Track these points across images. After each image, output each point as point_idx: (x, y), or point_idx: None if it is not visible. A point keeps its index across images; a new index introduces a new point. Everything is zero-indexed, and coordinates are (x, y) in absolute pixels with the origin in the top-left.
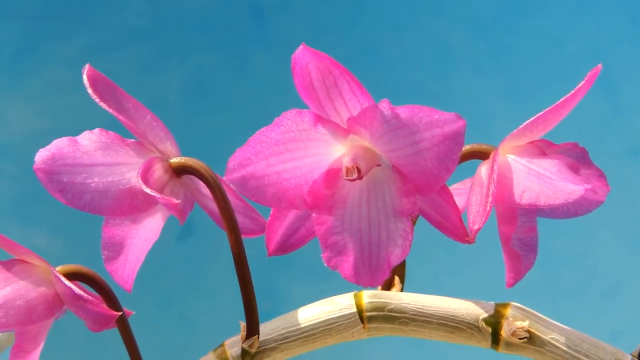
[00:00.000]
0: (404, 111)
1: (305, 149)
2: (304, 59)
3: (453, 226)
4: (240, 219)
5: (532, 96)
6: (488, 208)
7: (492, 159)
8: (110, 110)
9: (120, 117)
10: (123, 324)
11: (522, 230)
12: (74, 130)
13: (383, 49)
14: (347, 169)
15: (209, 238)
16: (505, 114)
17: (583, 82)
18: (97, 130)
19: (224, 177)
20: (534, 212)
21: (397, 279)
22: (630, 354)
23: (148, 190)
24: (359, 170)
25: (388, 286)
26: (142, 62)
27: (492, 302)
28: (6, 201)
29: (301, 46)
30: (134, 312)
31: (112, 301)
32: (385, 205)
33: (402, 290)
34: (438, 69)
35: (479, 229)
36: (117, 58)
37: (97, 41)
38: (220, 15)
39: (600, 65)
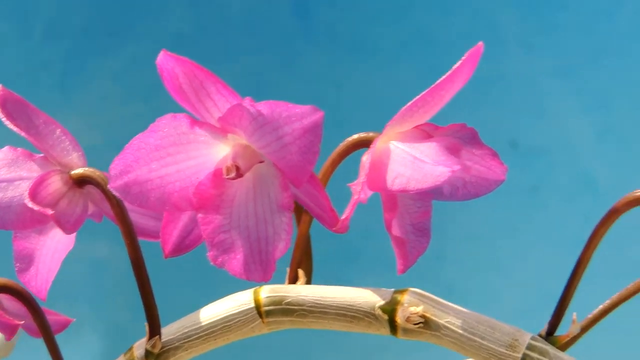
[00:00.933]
0: (265, 107)
1: (187, 152)
2: (169, 64)
3: (327, 215)
4: (152, 222)
5: (586, 72)
6: (356, 197)
7: (370, 147)
8: (16, 129)
9: (23, 133)
10: (46, 333)
11: (416, 215)
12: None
13: (433, 35)
14: (227, 168)
15: None
16: (560, 92)
17: (460, 62)
18: (5, 147)
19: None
20: (429, 196)
21: (301, 272)
22: (538, 333)
23: (29, 203)
24: (238, 169)
25: (294, 281)
26: None
27: (390, 290)
28: None
29: (162, 52)
30: (74, 320)
31: (35, 311)
32: (270, 201)
33: (309, 283)
34: (490, 51)
35: (345, 219)
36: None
37: (142, 52)
38: (263, 15)
39: (481, 43)
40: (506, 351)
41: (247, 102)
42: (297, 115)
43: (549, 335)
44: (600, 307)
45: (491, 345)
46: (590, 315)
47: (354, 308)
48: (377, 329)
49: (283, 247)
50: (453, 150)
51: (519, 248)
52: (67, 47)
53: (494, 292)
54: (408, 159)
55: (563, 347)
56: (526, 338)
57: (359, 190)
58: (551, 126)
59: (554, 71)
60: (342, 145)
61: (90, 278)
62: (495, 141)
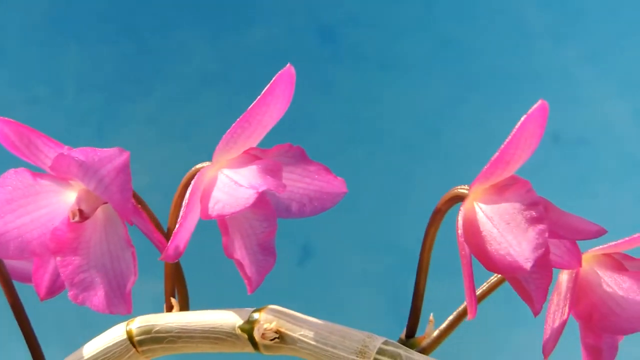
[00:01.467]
0: (81, 154)
1: (37, 202)
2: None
3: (158, 244)
4: (28, 266)
5: (615, 55)
6: (178, 226)
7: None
8: None
9: None
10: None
11: (262, 235)
12: (171, 180)
13: (460, 40)
14: (72, 213)
15: (329, 259)
16: (593, 79)
17: (268, 86)
18: None
19: None
20: (273, 216)
21: (174, 301)
22: (399, 337)
23: None
24: (81, 212)
25: (170, 310)
26: (220, 104)
27: (250, 309)
28: None
29: None
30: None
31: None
32: (119, 238)
33: (185, 309)
34: (518, 48)
35: (172, 248)
36: (195, 105)
37: (172, 93)
38: (288, 44)
39: (289, 65)
40: (357, 358)
41: (66, 150)
42: (107, 158)
43: (409, 337)
44: (459, 308)
45: (342, 354)
46: (450, 317)
47: (217, 330)
48: (241, 347)
49: (133, 280)
50: (271, 171)
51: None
52: (100, 98)
53: None
54: (229, 184)
55: (427, 349)
56: (377, 343)
57: (180, 219)
58: (589, 114)
59: (585, 59)
60: (185, 177)
61: None
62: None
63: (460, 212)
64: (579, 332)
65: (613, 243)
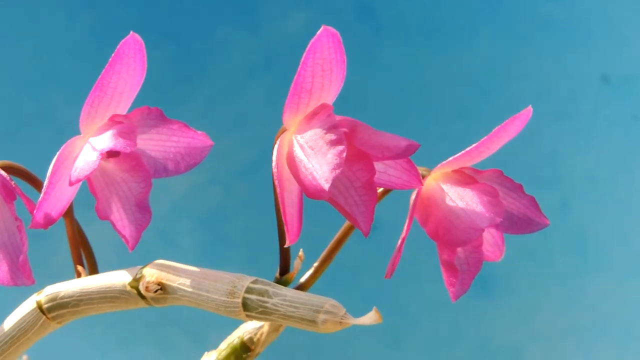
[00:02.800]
0: None
1: None
2: None
3: (30, 211)
4: None
5: None
6: (42, 195)
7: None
8: None
9: None
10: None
11: (139, 195)
12: (231, 174)
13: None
14: None
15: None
16: (633, 17)
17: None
18: None
19: None
20: (148, 176)
21: (81, 268)
22: (274, 276)
23: None
24: None
25: (79, 276)
26: (268, 94)
27: (139, 266)
28: None
29: None
30: None
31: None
32: (9, 215)
33: (91, 274)
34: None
35: (36, 218)
36: (243, 98)
37: (219, 90)
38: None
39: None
40: (227, 299)
41: None
42: None
43: (282, 275)
44: (331, 243)
45: (215, 297)
46: (323, 252)
47: (111, 289)
48: (134, 303)
49: (24, 251)
50: (125, 133)
51: (625, 185)
52: (150, 103)
53: None
54: (87, 149)
55: (305, 285)
56: (245, 283)
57: (44, 187)
58: (635, 52)
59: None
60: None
61: None
62: (587, 80)
63: (276, 145)
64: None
65: (453, 157)
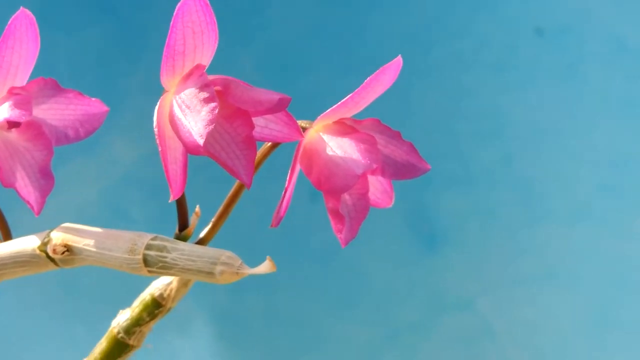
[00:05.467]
0: None
1: None
2: None
3: None
4: None
5: None
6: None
7: None
8: None
9: None
10: None
11: (42, 162)
12: None
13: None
14: None
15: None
16: None
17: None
18: None
19: None
20: (48, 144)
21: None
22: (174, 233)
23: None
24: None
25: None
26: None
27: (48, 230)
28: None
29: None
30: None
31: None
32: None
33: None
34: None
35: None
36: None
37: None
38: None
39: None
40: (129, 256)
41: None
42: None
43: (181, 231)
44: (227, 198)
45: (117, 255)
46: (220, 207)
47: (21, 254)
48: (45, 266)
49: None
50: (20, 104)
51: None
52: (90, 77)
53: None
54: None
55: (205, 239)
56: (145, 240)
57: None
58: (570, 2)
59: None
60: None
61: None
62: (521, 31)
63: (157, 105)
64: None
65: (331, 108)
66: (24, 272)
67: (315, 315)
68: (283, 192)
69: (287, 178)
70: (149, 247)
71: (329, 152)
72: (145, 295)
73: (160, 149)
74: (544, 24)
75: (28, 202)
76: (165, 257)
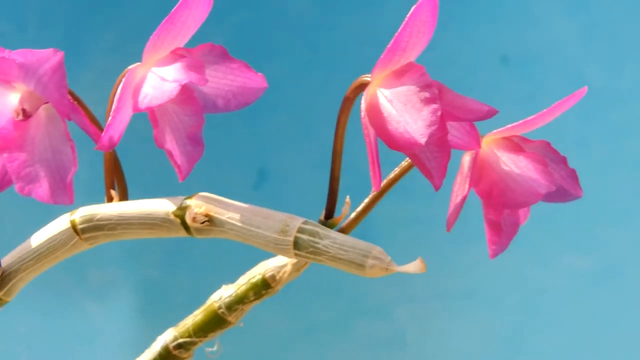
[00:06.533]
0: (19, 56)
1: None
2: None
3: (93, 134)
4: None
5: None
6: (110, 119)
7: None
8: None
9: None
10: None
11: (191, 128)
12: None
13: None
14: (16, 112)
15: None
16: None
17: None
18: None
19: None
20: (200, 110)
21: (114, 193)
22: (318, 218)
23: None
24: (24, 111)
25: (110, 200)
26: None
27: (182, 197)
28: None
29: None
30: None
31: None
32: (59, 134)
33: (125, 200)
34: None
35: (105, 138)
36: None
37: (131, 24)
38: None
39: None
40: (279, 236)
41: (6, 53)
42: (44, 58)
43: (327, 219)
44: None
45: (266, 233)
46: (367, 199)
47: (152, 216)
48: (175, 232)
49: (74, 170)
50: (194, 67)
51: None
52: (60, 34)
53: None
54: (155, 79)
55: (346, 229)
56: (297, 223)
57: (112, 112)
58: (539, 34)
59: None
60: (118, 78)
61: None
62: (487, 58)
63: (363, 97)
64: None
65: (509, 126)
66: (148, 235)
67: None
68: (460, 200)
69: (466, 187)
70: (301, 230)
71: (504, 166)
72: (255, 275)
73: (369, 139)
74: (510, 53)
75: (176, 166)
76: (317, 242)
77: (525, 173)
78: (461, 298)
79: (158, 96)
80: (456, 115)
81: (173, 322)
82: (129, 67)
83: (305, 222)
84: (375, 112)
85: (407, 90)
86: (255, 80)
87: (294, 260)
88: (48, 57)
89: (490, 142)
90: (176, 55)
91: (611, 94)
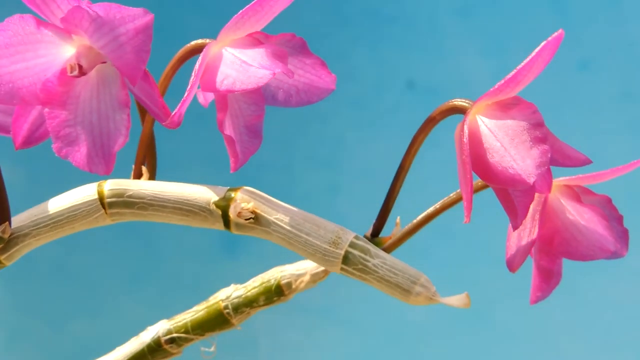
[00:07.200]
0: (101, 9)
1: (35, 51)
2: None
3: (160, 111)
4: (4, 118)
5: (487, 14)
6: (186, 94)
7: (203, 52)
8: None
9: None
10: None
11: (250, 117)
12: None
13: None
14: (70, 67)
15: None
16: (460, 33)
17: None
18: None
19: None
20: (262, 101)
21: (144, 169)
22: (364, 234)
23: None
24: (80, 68)
25: (138, 177)
26: None
27: (225, 187)
28: None
29: None
30: None
31: None
32: (111, 98)
33: (152, 179)
34: None
35: (175, 114)
36: None
37: None
38: None
39: None
40: (329, 247)
41: (85, 3)
42: (130, 17)
43: (374, 236)
44: (424, 213)
45: (316, 242)
46: (414, 221)
47: (190, 202)
48: (212, 223)
49: (122, 141)
50: (279, 57)
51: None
52: None
53: None
54: (236, 62)
55: (388, 249)
56: (349, 236)
57: (188, 89)
58: (449, 67)
59: (456, 10)
60: (181, 51)
61: None
62: (394, 80)
63: (465, 122)
64: (533, 254)
65: (578, 176)
66: (180, 221)
67: (107, 284)
68: (526, 244)
69: (526, 229)
70: (353, 245)
71: (569, 216)
72: (269, 279)
73: (465, 166)
74: (417, 79)
75: (232, 154)
76: (368, 260)
77: (591, 226)
78: (318, 314)
79: (244, 80)
80: (555, 159)
81: (39, 302)
82: (197, 41)
83: (356, 237)
84: (474, 141)
85: (517, 126)
86: (325, 80)
87: (314, 271)
88: (135, 17)
89: (554, 189)
90: (254, 39)
91: None
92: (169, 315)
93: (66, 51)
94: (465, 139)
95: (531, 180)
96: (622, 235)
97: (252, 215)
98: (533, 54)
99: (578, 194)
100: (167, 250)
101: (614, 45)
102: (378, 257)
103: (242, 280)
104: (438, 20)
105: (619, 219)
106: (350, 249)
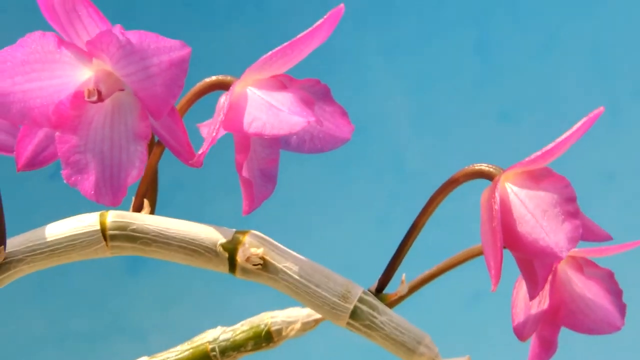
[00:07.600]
0: (134, 37)
1: (52, 71)
2: None
3: (184, 150)
4: (6, 137)
5: (412, 54)
6: (214, 134)
7: (227, 89)
8: None
9: None
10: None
11: (264, 161)
12: None
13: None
14: (89, 91)
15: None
16: (384, 71)
17: (321, 20)
18: None
19: None
20: (277, 144)
21: (146, 202)
22: (368, 289)
23: None
24: (99, 93)
25: (138, 209)
26: None
27: (232, 229)
28: None
29: None
30: None
31: None
32: (126, 129)
33: (152, 213)
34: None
35: (202, 154)
36: None
37: None
38: None
39: (342, 5)
40: (338, 301)
41: (117, 29)
42: (165, 49)
43: (378, 292)
44: (429, 271)
45: (325, 294)
46: (418, 278)
47: (196, 242)
48: (215, 265)
49: (136, 174)
50: (307, 103)
51: (331, 217)
52: None
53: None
54: (265, 105)
55: (390, 305)
56: (358, 291)
57: (216, 128)
58: (370, 103)
59: (382, 49)
60: (199, 85)
61: None
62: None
63: (496, 189)
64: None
65: (585, 248)
66: (183, 260)
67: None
68: (538, 314)
69: (549, 299)
70: (361, 300)
71: (576, 288)
72: (259, 324)
73: (495, 234)
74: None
75: (247, 198)
76: (376, 317)
77: (598, 301)
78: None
79: (275, 125)
80: (582, 234)
81: None
82: (222, 77)
83: (365, 293)
84: (503, 209)
85: (549, 198)
86: (343, 130)
87: (306, 319)
88: (171, 49)
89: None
90: (278, 82)
91: (424, 178)
92: None
93: (83, 74)
94: (497, 207)
95: (564, 254)
96: (622, 311)
97: (261, 262)
98: (573, 129)
99: (582, 265)
100: (71, 265)
101: (535, 94)
102: (385, 315)
103: (143, 298)
104: (364, 57)
105: (619, 293)
106: (359, 304)
